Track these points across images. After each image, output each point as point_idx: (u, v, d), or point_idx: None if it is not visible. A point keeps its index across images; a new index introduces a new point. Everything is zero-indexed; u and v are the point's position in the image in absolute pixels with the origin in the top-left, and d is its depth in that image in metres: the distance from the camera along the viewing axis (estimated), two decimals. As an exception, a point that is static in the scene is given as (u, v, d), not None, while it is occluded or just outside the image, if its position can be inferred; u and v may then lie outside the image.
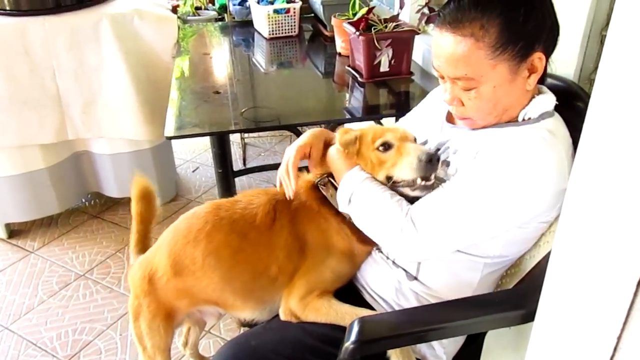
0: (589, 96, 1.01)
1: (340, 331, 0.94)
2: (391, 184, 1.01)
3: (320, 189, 1.09)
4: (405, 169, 0.98)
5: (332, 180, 1.09)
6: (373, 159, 1.03)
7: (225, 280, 1.12)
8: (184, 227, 1.15)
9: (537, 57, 0.89)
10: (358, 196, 0.99)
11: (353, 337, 0.88)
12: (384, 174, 1.01)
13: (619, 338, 0.60)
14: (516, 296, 0.96)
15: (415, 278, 1.03)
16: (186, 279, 1.13)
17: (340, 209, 1.04)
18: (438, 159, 0.97)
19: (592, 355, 0.63)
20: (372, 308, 1.08)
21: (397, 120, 1.88)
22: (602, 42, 1.27)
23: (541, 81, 0.97)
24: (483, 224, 0.91)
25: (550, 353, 0.72)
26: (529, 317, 0.84)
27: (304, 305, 1.06)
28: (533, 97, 0.95)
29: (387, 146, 1.02)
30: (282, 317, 1.09)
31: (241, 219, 1.12)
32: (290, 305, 1.08)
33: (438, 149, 1.06)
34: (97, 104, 2.26)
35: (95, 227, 2.50)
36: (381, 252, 1.10)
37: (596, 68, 1.31)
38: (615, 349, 0.61)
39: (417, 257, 0.98)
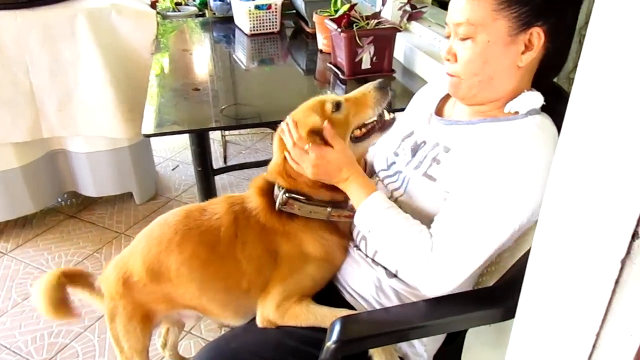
0: (568, 94, 1.01)
1: (321, 332, 0.93)
2: (357, 135, 1.06)
3: (283, 209, 1.06)
4: (371, 105, 1.05)
5: (294, 195, 1.05)
6: (337, 124, 1.04)
7: (201, 290, 1.11)
8: (156, 236, 1.13)
9: (537, 32, 0.89)
10: (378, 229, 0.97)
11: (334, 336, 0.87)
12: (351, 129, 1.05)
13: (597, 335, 0.60)
14: (496, 293, 0.96)
15: (395, 275, 1.03)
16: (163, 285, 1.11)
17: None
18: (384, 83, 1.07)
19: (572, 351, 0.64)
20: (352, 308, 1.07)
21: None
22: (580, 42, 1.28)
23: (540, 86, 0.97)
24: (498, 235, 0.90)
25: (531, 350, 0.72)
26: (509, 314, 0.84)
27: (282, 312, 1.04)
28: (522, 91, 0.95)
29: (338, 105, 1.04)
30: (259, 325, 1.07)
31: (208, 230, 1.09)
32: (267, 313, 1.06)
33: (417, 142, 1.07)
34: (73, 101, 2.21)
35: (71, 227, 2.44)
36: (360, 249, 1.10)
37: (575, 67, 1.33)
38: (594, 346, 0.61)
39: (449, 287, 0.92)
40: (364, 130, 1.08)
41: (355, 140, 1.07)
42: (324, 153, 1.00)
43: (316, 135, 1.02)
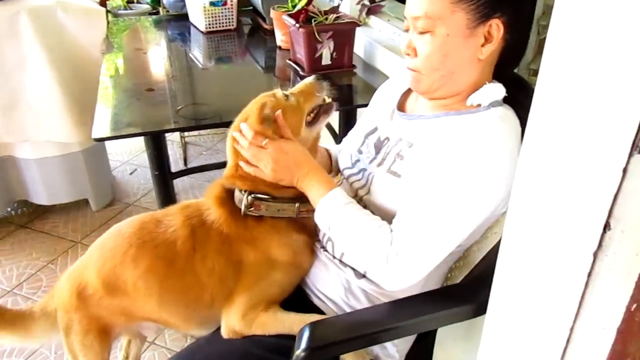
0: (529, 85, 1.01)
1: (289, 339, 0.90)
2: (308, 121, 1.09)
3: (250, 213, 1.02)
4: (317, 90, 1.10)
5: (258, 195, 1.02)
6: (293, 110, 1.05)
7: (160, 304, 1.05)
8: (110, 248, 1.07)
9: (495, 24, 0.88)
10: (338, 225, 0.95)
11: (303, 344, 0.84)
12: (305, 113, 1.08)
13: (571, 329, 0.59)
14: (466, 290, 0.95)
15: (364, 276, 1.00)
16: (121, 299, 1.06)
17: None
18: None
19: (546, 347, 0.63)
20: (321, 312, 1.04)
21: (341, 115, 1.86)
22: (538, 32, 1.29)
23: (501, 77, 0.96)
24: (460, 228, 0.89)
25: (504, 347, 0.71)
26: (481, 310, 0.83)
27: (248, 322, 1.00)
28: (484, 83, 0.94)
29: (287, 96, 1.07)
30: (224, 336, 1.03)
31: (163, 244, 1.03)
32: (233, 324, 1.01)
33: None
34: (19, 105, 2.09)
35: (23, 237, 2.31)
36: (327, 251, 1.07)
37: (534, 57, 1.34)
38: (568, 340, 0.60)
39: (409, 281, 0.91)
40: (312, 115, 1.11)
41: (309, 124, 1.10)
42: (282, 145, 0.99)
43: (270, 123, 1.02)
